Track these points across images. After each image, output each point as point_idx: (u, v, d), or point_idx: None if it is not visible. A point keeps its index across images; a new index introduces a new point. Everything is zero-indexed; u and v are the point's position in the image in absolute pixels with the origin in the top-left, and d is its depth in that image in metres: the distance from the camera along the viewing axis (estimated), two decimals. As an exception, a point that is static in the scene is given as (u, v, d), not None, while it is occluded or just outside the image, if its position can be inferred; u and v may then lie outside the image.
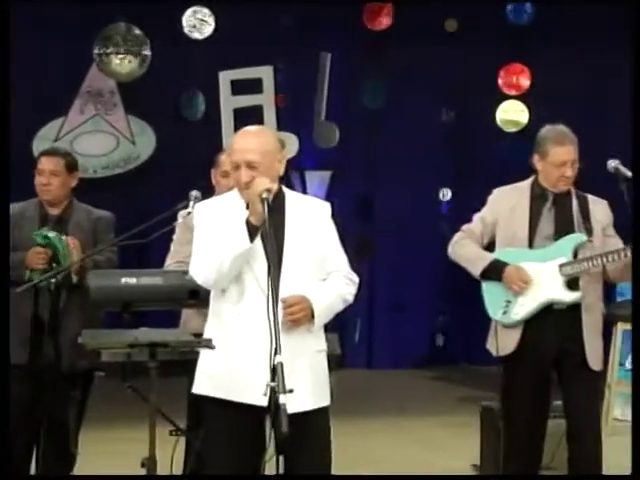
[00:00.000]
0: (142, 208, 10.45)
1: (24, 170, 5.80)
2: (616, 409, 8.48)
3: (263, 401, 3.73)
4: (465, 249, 5.52)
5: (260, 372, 3.74)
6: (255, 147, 4.11)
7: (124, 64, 10.33)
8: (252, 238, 3.98)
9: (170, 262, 5.33)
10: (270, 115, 10.99)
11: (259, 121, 9.94)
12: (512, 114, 11.31)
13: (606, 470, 5.47)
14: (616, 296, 8.88)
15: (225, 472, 4.09)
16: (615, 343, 8.44)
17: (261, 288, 3.99)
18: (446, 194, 11.53)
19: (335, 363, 4.30)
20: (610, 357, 8.45)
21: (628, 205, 4.91)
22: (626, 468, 5.37)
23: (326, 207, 4.32)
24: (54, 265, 5.28)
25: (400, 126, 11.23)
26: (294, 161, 10.39)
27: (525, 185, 5.51)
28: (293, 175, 10.97)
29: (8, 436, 4.47)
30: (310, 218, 4.22)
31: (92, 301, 4.78)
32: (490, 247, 5.52)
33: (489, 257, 5.45)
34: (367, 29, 11.08)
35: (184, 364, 4.60)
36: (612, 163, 5.20)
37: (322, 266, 4.21)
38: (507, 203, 5.47)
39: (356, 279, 4.30)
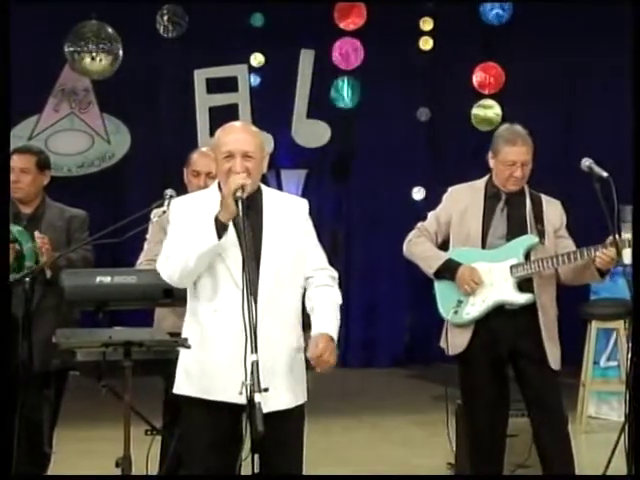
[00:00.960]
0: (117, 207, 10.46)
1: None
2: (590, 407, 8.54)
3: (241, 399, 3.73)
4: (419, 247, 5.52)
5: (238, 370, 3.74)
6: (251, 140, 4.14)
7: (96, 62, 10.28)
8: (220, 235, 3.96)
9: (142, 260, 5.32)
10: (245, 113, 10.98)
11: (234, 120, 9.90)
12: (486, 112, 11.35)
13: (581, 467, 5.51)
14: (590, 295, 8.93)
15: (201, 471, 4.09)
16: (589, 342, 8.49)
17: (236, 284, 3.98)
18: (419, 192, 11.53)
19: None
20: (585, 355, 8.51)
21: (602, 204, 4.92)
22: (600, 464, 5.42)
23: (304, 204, 4.32)
24: (23, 262, 5.26)
25: (375, 125, 11.24)
26: (270, 159, 10.36)
27: (480, 184, 5.50)
28: (269, 173, 10.97)
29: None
30: (288, 215, 4.22)
31: (67, 301, 4.78)
32: (444, 246, 5.53)
33: (443, 256, 5.45)
34: (339, 28, 11.07)
35: (159, 363, 4.59)
36: (586, 162, 5.20)
37: (300, 263, 4.21)
38: (461, 202, 5.46)
39: (336, 275, 4.33)
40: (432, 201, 11.20)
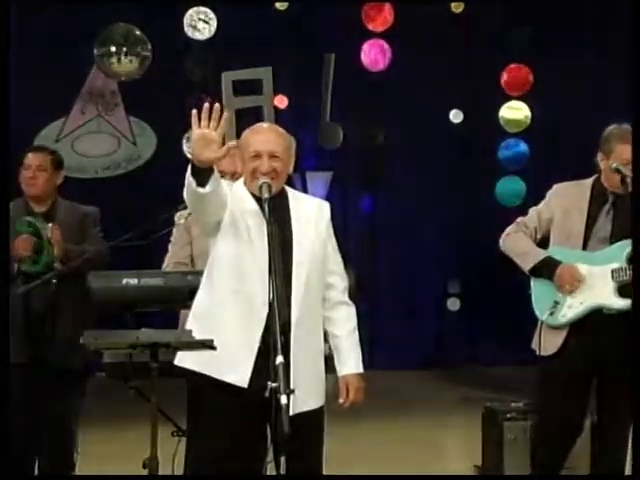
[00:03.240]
0: (143, 209, 10.46)
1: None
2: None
3: (244, 382, 3.81)
4: (517, 243, 5.38)
5: (248, 353, 3.79)
6: (278, 141, 4.19)
7: (124, 65, 10.34)
8: (200, 181, 3.90)
9: (167, 262, 5.33)
10: (269, 116, 10.98)
11: (259, 122, 9.92)
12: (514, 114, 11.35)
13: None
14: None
15: (221, 467, 4.09)
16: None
17: (259, 268, 4.00)
18: (454, 196, 11.50)
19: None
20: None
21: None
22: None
23: (326, 207, 4.36)
24: (42, 252, 5.28)
25: (404, 126, 11.21)
26: (295, 162, 10.37)
27: (587, 183, 5.34)
28: (294, 176, 10.98)
29: (9, 437, 4.46)
30: (313, 216, 4.26)
31: (94, 302, 4.80)
32: (542, 244, 5.39)
33: (542, 253, 5.31)
34: (367, 29, 11.08)
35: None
36: (614, 164, 5.14)
37: (324, 266, 4.25)
38: (566, 200, 5.32)
39: (346, 284, 4.37)
40: (464, 203, 11.40)
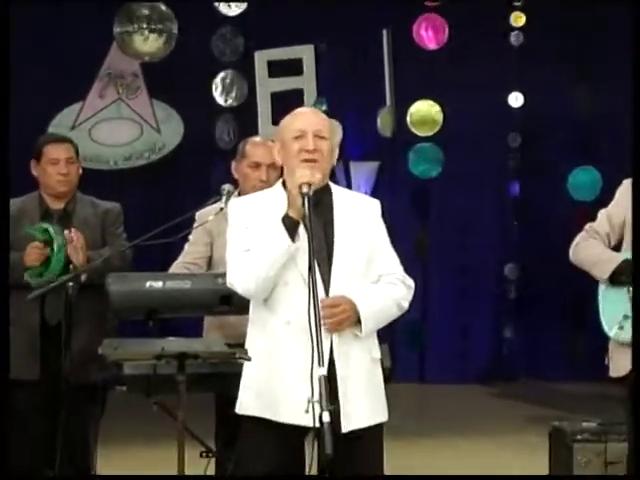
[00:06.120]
0: (168, 204, 10.52)
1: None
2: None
3: (310, 421, 3.70)
4: (589, 251, 5.27)
5: (308, 388, 3.73)
6: (323, 122, 4.18)
7: (148, 43, 10.38)
8: (292, 235, 3.95)
9: (179, 261, 5.31)
10: (311, 100, 11.00)
11: (299, 106, 9.91)
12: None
13: None
14: None
15: None
16: None
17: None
18: (514, 188, 11.44)
19: (384, 376, 4.29)
20: None
21: None
22: None
23: (376, 205, 4.32)
24: (49, 266, 5.28)
25: (461, 112, 11.16)
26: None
27: None
28: (336, 167, 10.96)
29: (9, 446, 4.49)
30: (359, 216, 4.22)
31: (113, 308, 4.81)
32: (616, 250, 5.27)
33: (619, 257, 5.18)
34: (421, 3, 11.06)
35: (214, 377, 4.60)
36: None
37: (370, 269, 4.20)
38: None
39: (411, 283, 4.28)
40: (526, 196, 11.35)
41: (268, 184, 4.85)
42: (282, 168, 4.29)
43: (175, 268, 5.28)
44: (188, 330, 5.28)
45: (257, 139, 5.50)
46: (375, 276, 4.22)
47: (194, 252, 5.29)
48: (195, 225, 5.29)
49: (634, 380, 4.56)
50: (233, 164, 5.45)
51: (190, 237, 5.36)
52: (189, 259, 5.28)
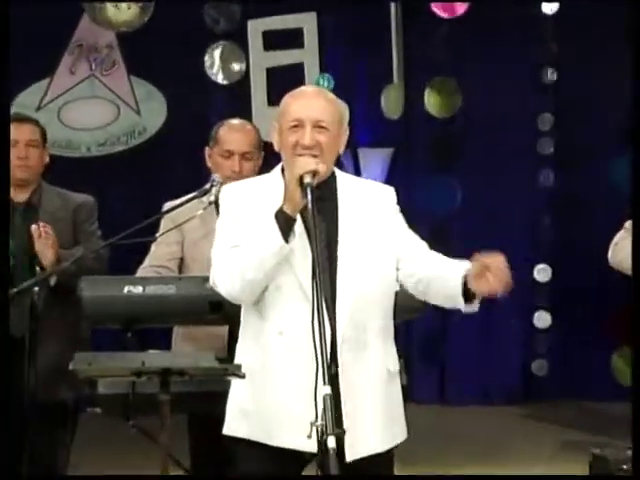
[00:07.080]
0: (149, 196, 10.51)
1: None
2: None
3: (311, 445, 3.76)
4: (628, 250, 5.41)
5: (308, 407, 3.76)
6: (326, 108, 4.15)
7: (121, 11, 10.39)
8: (285, 234, 3.94)
9: (146, 265, 5.30)
10: (313, 76, 11.01)
11: (300, 84, 9.93)
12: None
13: None
14: None
15: None
16: None
17: (307, 299, 3.95)
18: (548, 178, 11.43)
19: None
20: None
21: None
22: None
23: (390, 194, 4.33)
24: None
25: (485, 89, 11.17)
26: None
27: None
28: (344, 154, 10.97)
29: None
30: (371, 208, 4.22)
31: (87, 317, 4.82)
32: None
33: None
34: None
35: (200, 397, 4.60)
36: None
37: (389, 267, 4.20)
38: None
39: None
40: (561, 185, 11.35)
41: (242, 175, 4.87)
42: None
43: (142, 273, 5.25)
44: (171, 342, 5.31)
45: (234, 122, 5.49)
46: (409, 262, 4.23)
47: (165, 253, 5.28)
48: (163, 220, 5.28)
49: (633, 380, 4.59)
50: (206, 150, 5.45)
51: (157, 235, 5.29)
52: (160, 261, 5.27)
